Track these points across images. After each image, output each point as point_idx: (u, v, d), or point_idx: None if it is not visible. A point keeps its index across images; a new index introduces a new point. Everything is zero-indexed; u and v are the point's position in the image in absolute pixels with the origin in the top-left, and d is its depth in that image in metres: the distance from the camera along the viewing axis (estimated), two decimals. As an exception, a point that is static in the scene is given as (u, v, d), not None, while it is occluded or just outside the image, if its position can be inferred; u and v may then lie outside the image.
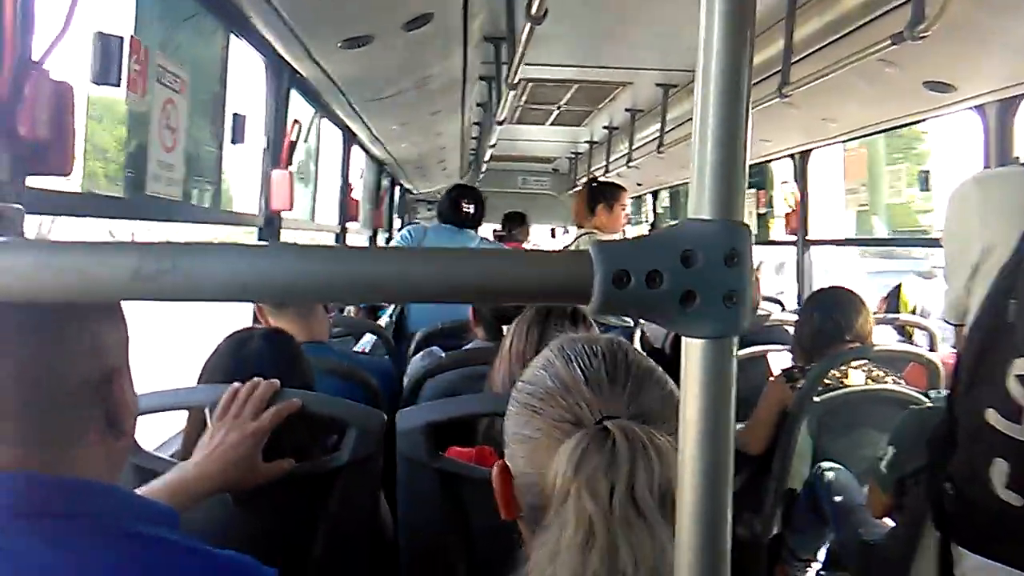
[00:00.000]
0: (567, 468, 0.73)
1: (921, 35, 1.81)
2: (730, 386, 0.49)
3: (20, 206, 1.17)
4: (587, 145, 6.46)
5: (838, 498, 2.21)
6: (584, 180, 6.90)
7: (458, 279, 0.48)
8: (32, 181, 1.22)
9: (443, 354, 2.32)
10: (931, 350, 2.97)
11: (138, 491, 1.08)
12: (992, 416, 1.12)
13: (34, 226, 1.24)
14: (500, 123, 3.71)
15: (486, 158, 5.64)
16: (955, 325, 1.35)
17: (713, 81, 0.47)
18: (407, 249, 0.50)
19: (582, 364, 0.80)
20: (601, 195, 3.98)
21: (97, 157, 1.65)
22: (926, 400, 2.21)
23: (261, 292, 0.47)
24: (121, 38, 1.45)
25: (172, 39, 1.81)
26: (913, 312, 3.25)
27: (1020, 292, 1.12)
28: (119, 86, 1.47)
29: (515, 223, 6.50)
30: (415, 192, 8.52)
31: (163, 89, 1.73)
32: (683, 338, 0.49)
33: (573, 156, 7.35)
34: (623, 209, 4.03)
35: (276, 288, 0.47)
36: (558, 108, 4.86)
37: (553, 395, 0.79)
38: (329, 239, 4.34)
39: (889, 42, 1.96)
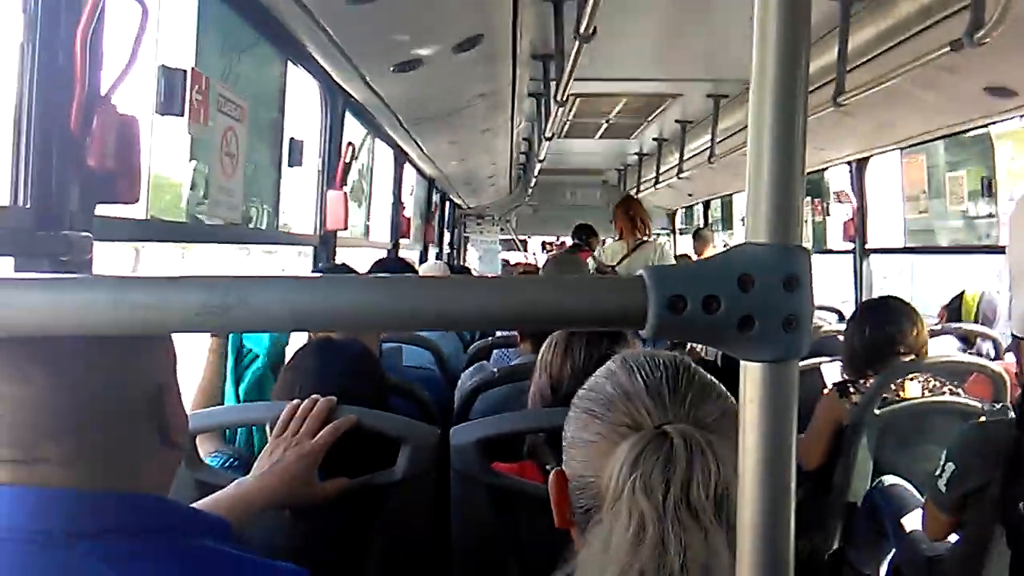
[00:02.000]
0: (623, 466, 0.74)
1: (981, 40, 1.76)
2: (792, 410, 0.48)
3: (89, 234, 1.22)
4: (636, 157, 6.44)
5: (899, 512, 2.15)
6: (633, 191, 6.89)
7: (514, 306, 0.49)
8: (101, 209, 1.27)
9: (494, 369, 2.33)
10: (995, 358, 2.87)
11: (197, 504, 1.11)
12: None
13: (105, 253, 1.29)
14: (549, 139, 3.73)
15: (535, 172, 5.66)
16: (1022, 338, 1.30)
17: (768, 104, 0.47)
18: (463, 278, 0.50)
19: (644, 374, 0.82)
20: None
21: (162, 184, 1.71)
22: (989, 408, 2.13)
23: (324, 322, 0.48)
24: (184, 70, 1.50)
25: (232, 69, 1.87)
26: (976, 320, 3.13)
27: None
28: (182, 116, 1.53)
29: (587, 233, 6.50)
30: (465, 207, 8.59)
31: (223, 117, 1.78)
32: (742, 361, 0.49)
33: (622, 168, 7.33)
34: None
35: (338, 318, 0.48)
36: (607, 121, 4.86)
37: (614, 401, 0.81)
38: (381, 255, 4.40)
39: (948, 48, 1.91)
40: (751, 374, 0.48)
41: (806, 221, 4.45)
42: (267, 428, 1.29)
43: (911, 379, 2.30)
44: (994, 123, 2.71)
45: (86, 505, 0.74)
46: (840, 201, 3.87)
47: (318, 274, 2.28)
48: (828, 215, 4.38)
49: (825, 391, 2.50)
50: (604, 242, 5.61)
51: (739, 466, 0.49)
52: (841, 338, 2.70)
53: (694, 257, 6.65)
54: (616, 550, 0.72)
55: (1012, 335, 1.37)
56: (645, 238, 4.50)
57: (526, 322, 0.48)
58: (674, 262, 4.36)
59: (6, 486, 0.73)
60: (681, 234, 8.57)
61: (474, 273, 7.51)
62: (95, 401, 0.76)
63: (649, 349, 0.91)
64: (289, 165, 2.38)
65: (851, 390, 2.36)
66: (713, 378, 0.85)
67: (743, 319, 0.47)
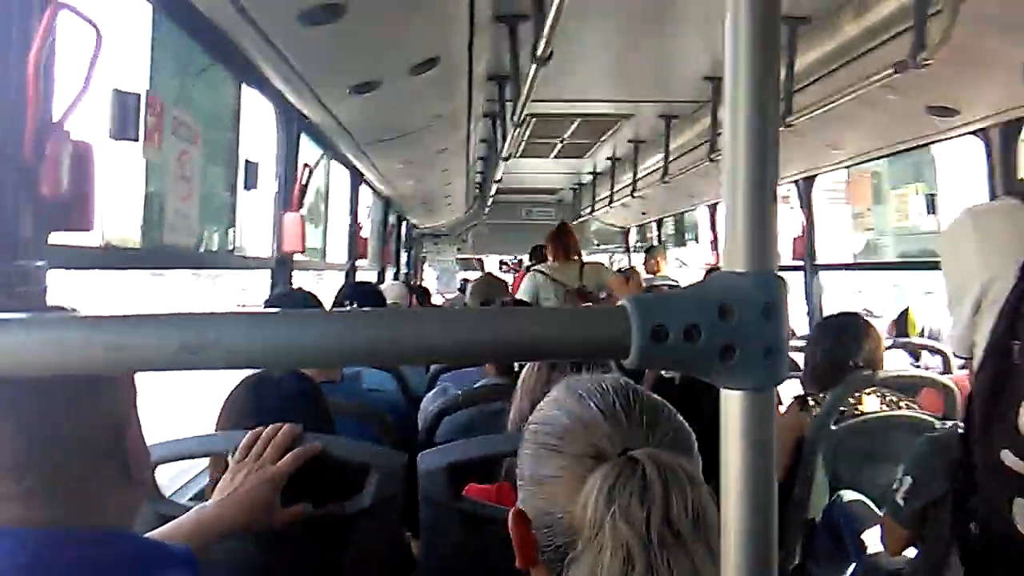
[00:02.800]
0: (598, 500, 0.73)
1: (924, 63, 1.83)
2: (771, 436, 0.49)
3: (43, 262, 1.19)
4: (591, 176, 6.51)
5: (858, 528, 2.18)
6: (587, 209, 6.96)
7: (494, 338, 0.48)
8: (55, 237, 1.23)
9: (457, 391, 2.32)
10: (944, 372, 2.96)
11: (155, 532, 1.09)
12: (1008, 457, 1.12)
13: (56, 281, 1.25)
14: (505, 159, 3.75)
15: (492, 192, 5.68)
16: (964, 358, 1.34)
17: (741, 138, 0.48)
18: (441, 310, 0.50)
19: (595, 400, 0.81)
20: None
21: (116, 210, 1.67)
22: (941, 425, 2.19)
23: (303, 359, 0.48)
24: (138, 94, 1.48)
25: (186, 92, 1.84)
26: (921, 334, 3.23)
27: (1022, 333, 1.11)
28: (136, 140, 1.50)
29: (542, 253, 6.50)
30: (421, 226, 8.57)
31: (178, 141, 1.75)
32: (722, 390, 0.49)
33: (577, 187, 7.40)
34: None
35: (318, 354, 0.48)
36: (561, 141, 4.91)
37: (571, 432, 0.79)
38: (339, 277, 4.36)
39: (892, 70, 1.98)
40: (732, 403, 0.48)
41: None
42: (228, 458, 1.27)
43: (869, 393, 2.35)
44: (936, 142, 2.81)
45: (49, 541, 0.73)
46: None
47: (275, 309, 2.25)
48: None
49: (782, 407, 2.54)
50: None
51: (721, 490, 0.50)
52: (796, 356, 2.75)
53: (644, 274, 6.72)
54: None
55: (954, 355, 1.40)
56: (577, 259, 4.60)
57: (508, 355, 0.48)
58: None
59: None
60: (634, 251, 8.67)
61: (432, 292, 7.49)
62: (56, 438, 0.75)
63: (588, 375, 0.89)
64: (245, 188, 2.35)
65: (811, 403, 2.40)
66: (658, 397, 0.85)
67: (724, 348, 0.47)
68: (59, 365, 0.44)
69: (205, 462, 1.82)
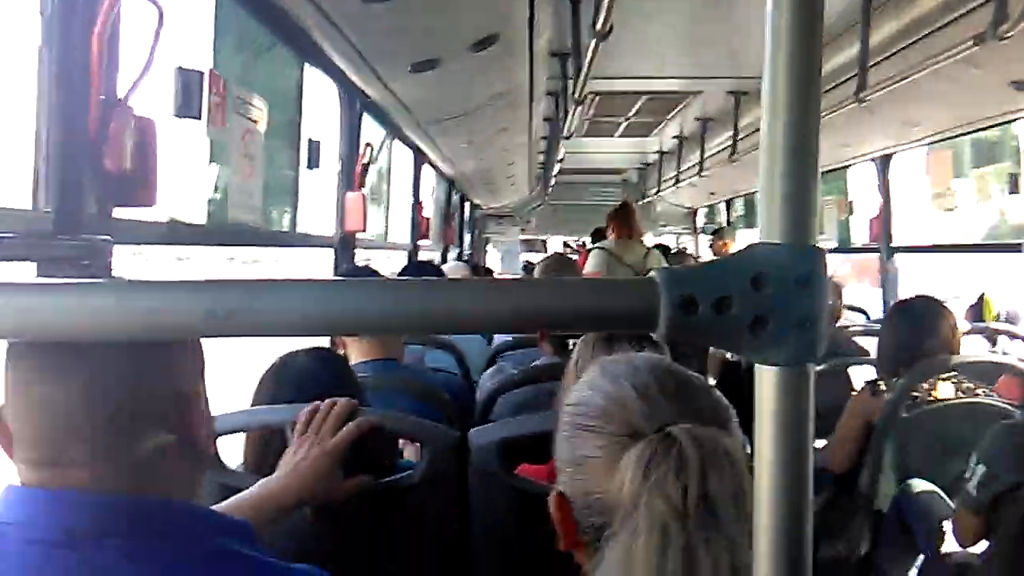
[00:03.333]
0: (634, 476, 0.72)
1: (1005, 35, 1.73)
2: (808, 415, 0.47)
3: (108, 236, 1.23)
4: (656, 156, 6.40)
5: (928, 518, 2.10)
6: (654, 190, 6.86)
7: (525, 308, 0.48)
8: (119, 212, 1.27)
9: (514, 370, 2.32)
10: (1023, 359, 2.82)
11: (222, 504, 1.12)
12: None
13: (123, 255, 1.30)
14: (567, 137, 3.72)
15: (554, 172, 5.65)
16: None
17: (781, 103, 0.46)
18: (474, 280, 0.50)
19: (628, 379, 0.80)
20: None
21: (180, 187, 1.72)
22: (1018, 413, 2.09)
23: (331, 327, 0.48)
24: (201, 72, 1.51)
25: (249, 71, 1.87)
26: (997, 319, 3.08)
27: None
28: (200, 119, 1.53)
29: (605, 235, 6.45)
30: (484, 207, 8.59)
31: (241, 119, 1.79)
32: (756, 365, 0.47)
33: (643, 167, 7.30)
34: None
35: (345, 322, 0.48)
36: (626, 120, 4.84)
37: (607, 412, 0.79)
38: (402, 256, 4.41)
39: (971, 43, 1.88)
40: (766, 377, 0.47)
41: (831, 219, 4.40)
42: (287, 430, 1.30)
43: (944, 380, 2.26)
44: (1020, 118, 2.66)
45: (111, 507, 0.75)
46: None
47: (333, 277, 2.30)
48: (852, 213, 4.32)
49: (855, 391, 2.47)
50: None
51: (755, 472, 0.48)
52: (872, 340, 2.66)
53: (711, 256, 6.60)
54: (641, 561, 0.70)
55: None
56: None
57: (538, 325, 0.48)
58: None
59: (37, 488, 0.74)
60: (703, 232, 8.52)
61: (496, 274, 7.51)
62: (120, 405, 0.77)
63: (624, 354, 0.89)
64: (308, 167, 2.39)
65: (883, 388, 2.32)
66: (693, 373, 0.84)
67: (756, 319, 0.45)
68: (88, 330, 0.45)
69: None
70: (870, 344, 3.05)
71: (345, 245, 2.79)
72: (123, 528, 0.75)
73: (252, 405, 1.40)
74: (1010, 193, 3.00)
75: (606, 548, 0.75)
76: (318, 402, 1.28)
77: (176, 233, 1.60)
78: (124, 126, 1.21)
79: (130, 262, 1.38)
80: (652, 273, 0.47)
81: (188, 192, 1.71)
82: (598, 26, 1.99)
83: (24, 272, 1.12)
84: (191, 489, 0.85)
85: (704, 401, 0.79)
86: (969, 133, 3.04)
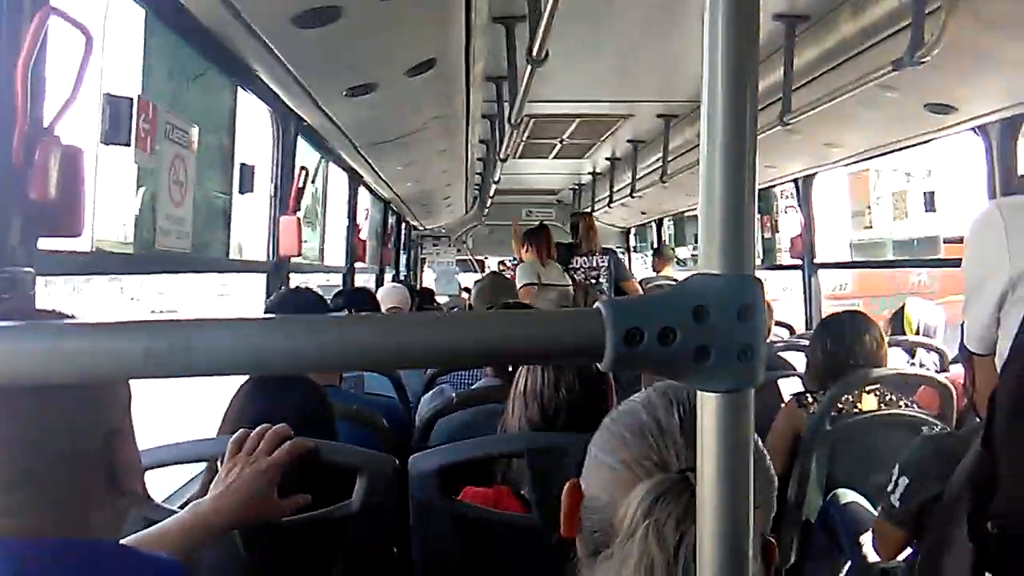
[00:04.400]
0: (640, 508, 0.72)
1: (921, 60, 1.82)
2: (747, 438, 0.49)
3: (31, 268, 1.18)
4: (590, 176, 6.50)
5: (854, 528, 2.17)
6: (587, 210, 6.95)
7: (470, 342, 0.48)
8: (43, 243, 1.23)
9: (453, 392, 2.31)
10: (941, 371, 2.95)
11: (151, 529, 1.09)
12: None
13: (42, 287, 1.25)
14: (503, 160, 3.75)
15: (491, 193, 5.67)
16: (981, 355, 1.32)
17: (718, 138, 0.47)
18: (416, 316, 0.50)
19: (682, 412, 0.79)
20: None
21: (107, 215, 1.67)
22: (938, 424, 2.17)
23: (273, 365, 0.47)
24: (130, 99, 1.47)
25: (180, 96, 1.83)
26: (917, 332, 3.22)
27: None
28: (129, 145, 1.50)
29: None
30: (421, 228, 8.57)
31: (172, 145, 1.75)
32: (698, 392, 0.49)
33: (577, 187, 7.39)
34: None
35: (287, 360, 0.47)
36: (560, 142, 4.90)
37: (645, 432, 0.78)
38: (336, 280, 4.36)
39: (890, 67, 1.97)
40: (708, 404, 0.48)
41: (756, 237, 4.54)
42: (218, 464, 1.27)
43: (868, 392, 2.34)
44: (935, 139, 2.80)
45: (35, 553, 0.73)
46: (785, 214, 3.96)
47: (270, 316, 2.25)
48: (777, 231, 4.46)
49: (784, 404, 2.54)
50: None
51: (697, 489, 0.50)
52: (798, 354, 2.74)
53: (652, 274, 6.73)
54: None
55: (962, 348, 1.38)
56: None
57: (485, 358, 0.48)
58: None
59: None
60: (634, 252, 8.66)
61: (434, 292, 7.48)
62: (45, 450, 0.74)
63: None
64: (240, 192, 2.35)
65: (810, 400, 2.39)
66: (758, 437, 0.83)
67: (699, 349, 0.47)
68: (18, 376, 0.44)
69: (195, 469, 1.82)
70: (795, 358, 3.15)
71: (279, 269, 2.75)
72: (51, 574, 0.72)
73: (219, 433, 1.36)
74: (926, 211, 3.14)
75: (600, 568, 0.75)
76: (248, 428, 1.26)
77: (103, 262, 1.55)
78: (50, 155, 1.17)
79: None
80: (597, 305, 0.48)
81: (116, 220, 1.66)
82: (533, 52, 2.02)
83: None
84: (117, 529, 0.83)
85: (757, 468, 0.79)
86: (887, 154, 3.17)
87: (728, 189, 0.47)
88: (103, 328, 0.44)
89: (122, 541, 0.98)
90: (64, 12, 1.19)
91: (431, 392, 2.57)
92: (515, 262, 9.62)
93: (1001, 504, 1.20)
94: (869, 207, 3.52)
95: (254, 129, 2.59)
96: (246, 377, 1.45)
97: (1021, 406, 1.14)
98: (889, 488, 1.72)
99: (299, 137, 2.83)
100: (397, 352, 0.47)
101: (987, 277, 1.22)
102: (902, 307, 3.30)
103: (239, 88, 2.28)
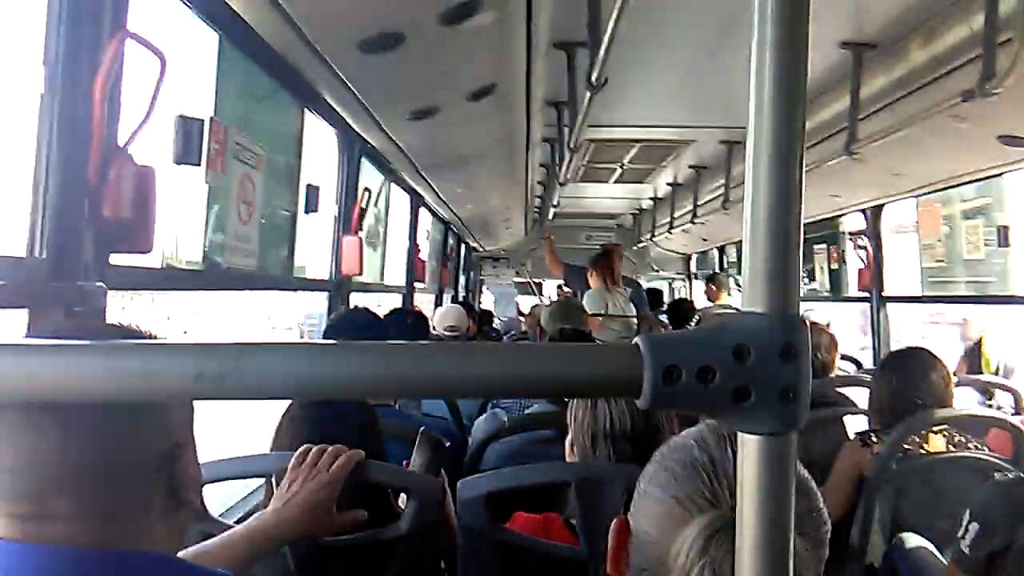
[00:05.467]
0: (693, 546, 0.71)
1: (992, 92, 1.77)
2: (790, 483, 0.48)
3: (102, 283, 1.23)
4: (651, 201, 6.46)
5: (919, 572, 2.08)
6: (648, 235, 6.90)
7: (509, 374, 0.48)
8: (115, 259, 1.28)
9: (505, 417, 2.31)
10: (1016, 412, 2.82)
11: (215, 539, 1.12)
12: None
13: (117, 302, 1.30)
14: (563, 184, 3.76)
15: (550, 216, 5.69)
16: None
17: (763, 177, 0.47)
18: (461, 345, 0.50)
19: (735, 449, 0.79)
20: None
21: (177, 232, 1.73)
22: (1011, 470, 2.08)
23: (322, 390, 0.49)
24: (202, 120, 1.53)
25: (249, 118, 1.90)
26: (996, 372, 3.07)
27: None
28: (199, 165, 1.55)
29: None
30: (480, 250, 8.63)
31: (240, 165, 1.81)
32: (739, 433, 0.48)
33: (637, 212, 7.35)
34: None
35: (337, 386, 0.48)
36: (621, 166, 4.89)
37: (698, 467, 0.77)
38: (397, 299, 4.41)
39: (959, 98, 1.92)
40: (748, 446, 0.47)
41: (822, 268, 4.43)
42: (273, 481, 1.29)
43: (936, 433, 2.25)
44: (1008, 171, 2.70)
45: (89, 563, 0.74)
46: (857, 247, 3.86)
47: (319, 341, 2.30)
48: (844, 263, 4.35)
49: (847, 442, 2.46)
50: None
51: (736, 535, 0.49)
52: (864, 389, 2.65)
53: (706, 303, 6.62)
54: None
55: None
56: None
57: (523, 391, 0.48)
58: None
59: (13, 542, 0.73)
60: (696, 279, 8.55)
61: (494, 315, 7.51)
62: (107, 458, 0.75)
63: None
64: (305, 212, 2.41)
65: (874, 439, 2.32)
66: (807, 475, 0.81)
67: (738, 390, 0.46)
68: (76, 392, 0.46)
69: (253, 484, 1.86)
70: (857, 394, 3.05)
71: (340, 288, 2.80)
72: None
73: (272, 448, 1.39)
74: (999, 245, 3.03)
75: None
76: (311, 444, 1.28)
77: (172, 279, 1.61)
78: (123, 173, 1.23)
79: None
80: (636, 340, 0.48)
81: (185, 237, 1.72)
82: (593, 77, 2.03)
83: (17, 319, 1.13)
84: (175, 542, 0.84)
85: (801, 500, 0.76)
86: (957, 186, 3.08)
87: (773, 224, 0.47)
88: (155, 348, 0.46)
89: (184, 551, 1.01)
90: (140, 36, 1.25)
91: (485, 415, 2.57)
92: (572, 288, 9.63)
93: None
94: (940, 240, 3.41)
95: (320, 150, 2.66)
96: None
97: None
98: (959, 534, 1.66)
99: (363, 159, 2.90)
100: (438, 381, 0.47)
101: None
102: (979, 341, 3.16)
103: (306, 111, 2.34)
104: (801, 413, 0.47)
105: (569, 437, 1.57)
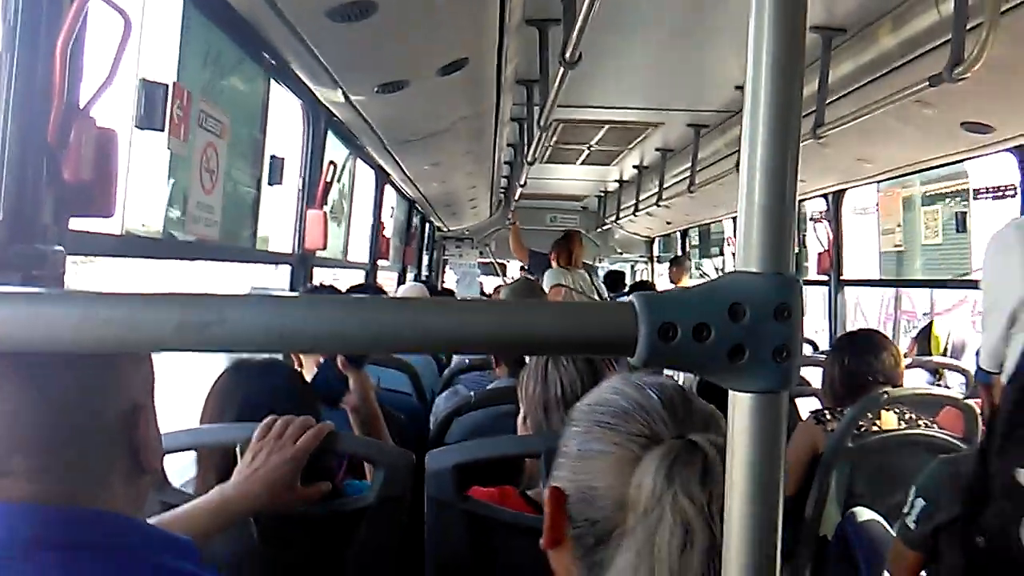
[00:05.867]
0: (657, 476, 0.73)
1: (960, 77, 1.79)
2: (780, 441, 0.48)
3: (62, 247, 1.19)
4: (617, 184, 6.48)
5: (872, 548, 2.13)
6: (612, 217, 6.94)
7: (500, 330, 0.47)
8: (75, 223, 1.24)
9: (470, 392, 2.31)
10: (968, 393, 2.90)
11: (177, 510, 1.11)
12: (1022, 476, 1.10)
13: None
14: (531, 163, 3.74)
15: (516, 197, 5.67)
16: (993, 373, 1.32)
17: (760, 131, 0.46)
18: (447, 300, 0.49)
19: (655, 390, 0.81)
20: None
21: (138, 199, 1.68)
22: (961, 446, 2.14)
23: (303, 343, 0.47)
24: (165, 85, 1.48)
25: (214, 85, 1.85)
26: (945, 352, 3.16)
27: None
28: (162, 130, 1.51)
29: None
30: (445, 229, 8.59)
31: (204, 133, 1.76)
32: (731, 392, 0.48)
33: (603, 194, 7.37)
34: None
35: (318, 338, 0.47)
36: (588, 148, 4.89)
37: (629, 413, 0.80)
38: (359, 276, 4.37)
39: (927, 84, 1.94)
40: (740, 404, 0.47)
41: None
42: (238, 450, 1.27)
43: (888, 411, 2.31)
44: (970, 158, 2.76)
45: (50, 519, 0.73)
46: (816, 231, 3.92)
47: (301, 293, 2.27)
48: (804, 247, 4.42)
49: (801, 420, 2.51)
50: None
51: (726, 493, 0.49)
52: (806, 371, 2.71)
53: (670, 285, 6.70)
54: (664, 559, 0.71)
55: (978, 369, 1.37)
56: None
57: (514, 346, 0.47)
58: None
59: None
60: (659, 262, 8.62)
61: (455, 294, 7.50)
62: (68, 417, 0.75)
63: (649, 372, 0.91)
64: (269, 183, 2.36)
65: (828, 418, 2.37)
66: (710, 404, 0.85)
67: (733, 348, 0.46)
68: (53, 342, 0.44)
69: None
70: (811, 374, 3.11)
71: (304, 262, 2.76)
72: (63, 540, 0.73)
73: (202, 420, 1.36)
74: (957, 232, 3.10)
75: (615, 546, 0.75)
76: (274, 416, 1.26)
77: (131, 245, 1.57)
78: (84, 136, 1.19)
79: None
80: (631, 298, 0.47)
81: (147, 204, 1.67)
82: (567, 55, 2.01)
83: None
84: (136, 507, 0.83)
85: (721, 426, 0.80)
86: (920, 171, 3.14)
87: (769, 185, 0.46)
88: (137, 298, 0.44)
89: (148, 520, 0.99)
90: (104, -5, 1.21)
91: (446, 393, 2.57)
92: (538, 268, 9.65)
93: (988, 519, 1.21)
94: (899, 225, 3.48)
95: (285, 121, 2.61)
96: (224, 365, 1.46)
97: (1014, 426, 1.14)
98: (905, 510, 1.70)
99: (329, 131, 2.85)
100: (428, 335, 0.46)
101: (1001, 296, 1.22)
102: (930, 325, 3.25)
103: (272, 80, 2.29)
104: (794, 373, 0.47)
105: (522, 411, 1.58)
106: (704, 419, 0.80)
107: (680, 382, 0.87)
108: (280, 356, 1.66)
